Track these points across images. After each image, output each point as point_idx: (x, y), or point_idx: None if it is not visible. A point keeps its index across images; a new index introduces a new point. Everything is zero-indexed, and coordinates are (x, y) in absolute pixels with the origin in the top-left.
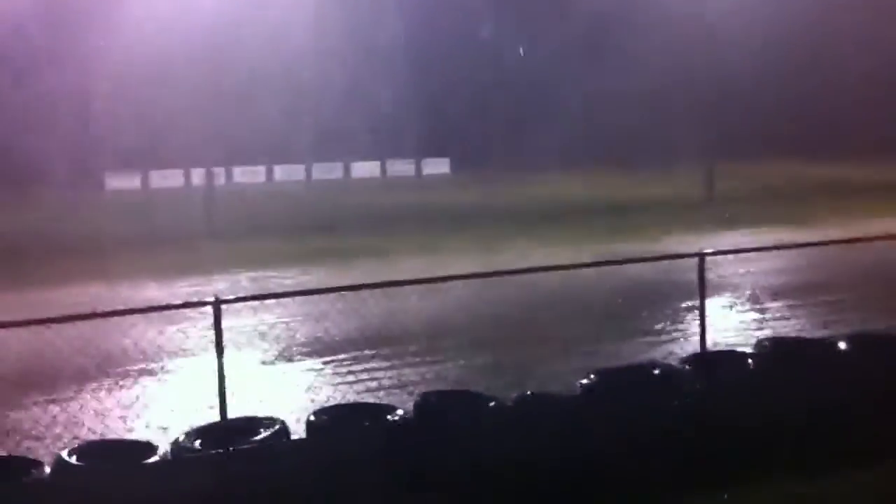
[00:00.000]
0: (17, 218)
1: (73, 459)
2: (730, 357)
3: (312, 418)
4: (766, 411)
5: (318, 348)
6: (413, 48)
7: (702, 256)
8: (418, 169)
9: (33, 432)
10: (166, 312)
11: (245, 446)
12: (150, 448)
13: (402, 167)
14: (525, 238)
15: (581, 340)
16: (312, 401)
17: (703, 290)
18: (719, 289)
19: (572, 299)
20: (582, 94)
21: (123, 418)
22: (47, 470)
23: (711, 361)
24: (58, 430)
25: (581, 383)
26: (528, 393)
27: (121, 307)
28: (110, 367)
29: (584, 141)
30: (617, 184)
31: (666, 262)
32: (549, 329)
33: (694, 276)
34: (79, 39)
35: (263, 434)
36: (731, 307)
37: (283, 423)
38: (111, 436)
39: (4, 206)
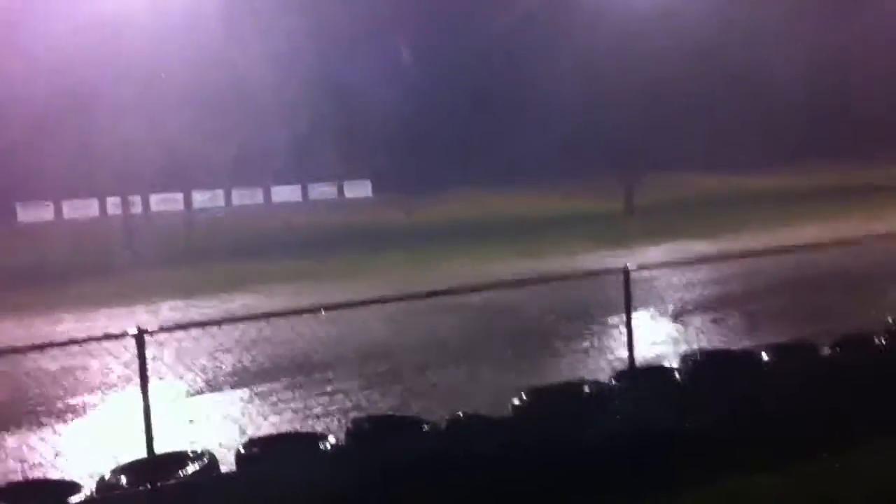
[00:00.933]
0: None
1: None
2: (657, 372)
3: (242, 450)
4: (694, 422)
5: (246, 377)
6: (333, 71)
7: (626, 272)
8: (340, 191)
9: None
10: (87, 346)
11: (173, 481)
12: (74, 487)
13: (323, 190)
14: (449, 257)
15: (512, 359)
16: (241, 432)
17: (629, 305)
18: (645, 302)
19: (501, 318)
20: (499, 110)
21: (46, 457)
22: None
23: (640, 377)
24: None
25: (513, 403)
26: (460, 415)
27: (39, 342)
28: (30, 405)
29: (504, 157)
30: (538, 199)
31: (586, 279)
32: (480, 348)
33: (619, 291)
34: None
35: (192, 468)
36: (655, 320)
37: (212, 455)
38: (34, 475)
39: None
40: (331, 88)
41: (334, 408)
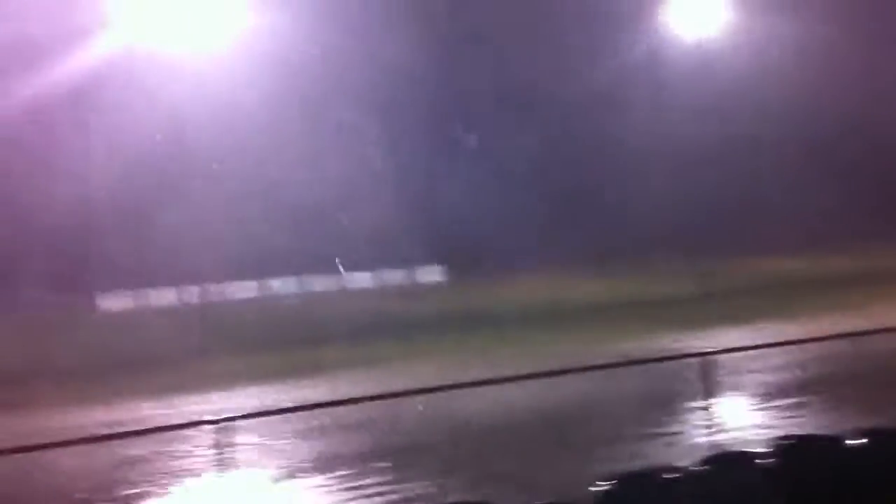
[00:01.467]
0: (7, 340)
1: None
2: (742, 458)
3: None
4: None
5: (325, 463)
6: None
7: (704, 356)
8: (412, 277)
9: None
10: (168, 433)
11: None
12: None
13: (395, 276)
14: (524, 342)
15: (589, 445)
16: None
17: (709, 390)
18: (725, 387)
19: (580, 403)
20: (567, 188)
21: None
22: None
23: (724, 463)
24: None
25: (595, 491)
26: (540, 503)
27: (119, 430)
28: (113, 492)
29: (575, 239)
30: (613, 283)
31: (665, 363)
32: (561, 434)
33: (697, 376)
34: (67, 151)
35: None
36: (737, 405)
37: None
38: None
39: None
40: (400, 174)
41: (409, 495)
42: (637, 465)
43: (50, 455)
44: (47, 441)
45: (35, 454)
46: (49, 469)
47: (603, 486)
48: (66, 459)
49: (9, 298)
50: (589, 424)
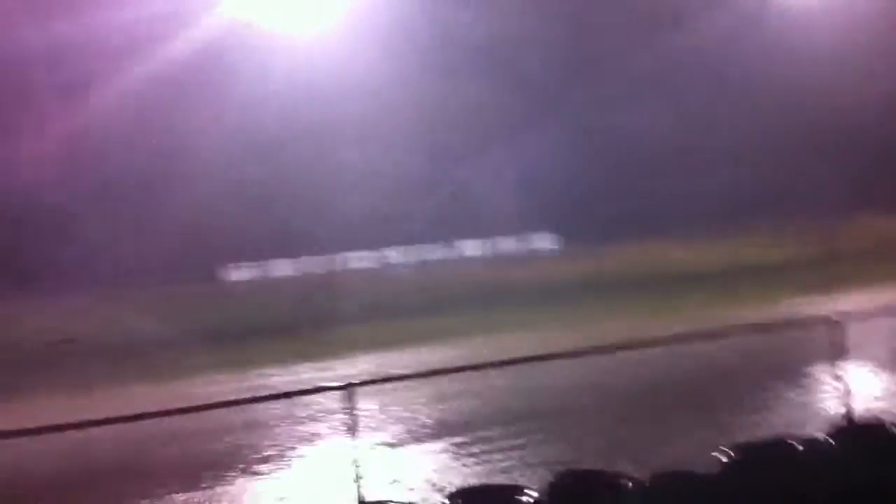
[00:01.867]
0: (142, 311)
1: None
2: (877, 428)
3: (447, 502)
4: None
5: (447, 428)
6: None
7: (831, 320)
8: (526, 245)
9: None
10: (297, 399)
11: None
12: None
13: (509, 244)
14: (645, 309)
15: (716, 413)
16: (444, 483)
17: (842, 355)
18: (857, 352)
19: (701, 370)
20: (690, 154)
21: None
22: None
23: (858, 432)
24: None
25: (719, 459)
26: (666, 471)
27: (249, 395)
28: (244, 456)
29: (695, 204)
30: (734, 247)
31: (792, 328)
32: (685, 401)
33: (828, 341)
34: (189, 128)
35: None
36: (870, 372)
37: None
38: None
39: (130, 301)
40: (510, 144)
41: (533, 461)
42: (762, 432)
43: (179, 420)
44: (177, 407)
45: (164, 420)
46: (178, 434)
47: (727, 453)
48: (195, 425)
49: (144, 272)
50: (712, 391)
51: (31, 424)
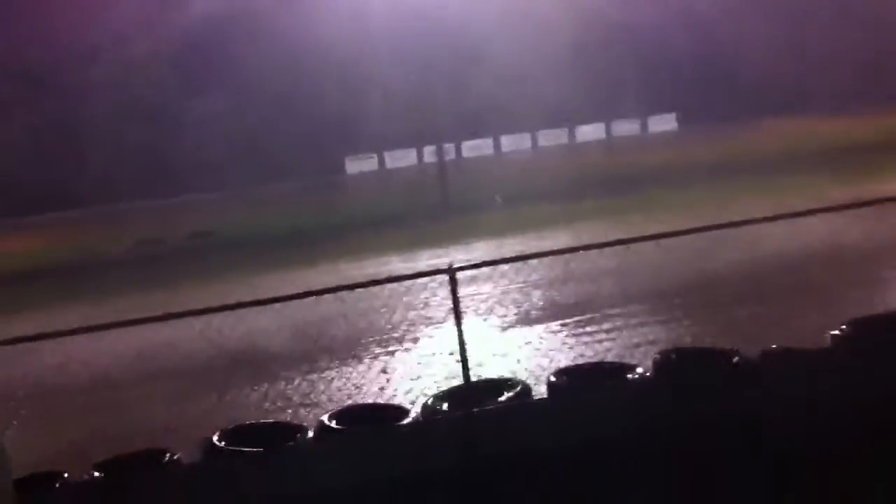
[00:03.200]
0: (270, 207)
1: (334, 424)
2: None
3: (553, 379)
4: None
5: (554, 311)
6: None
7: None
8: (644, 127)
9: (296, 400)
10: (410, 284)
11: (489, 407)
12: (402, 411)
13: (628, 127)
14: (763, 187)
15: (831, 290)
16: (551, 362)
17: None
18: None
19: (822, 247)
20: (804, 31)
21: (377, 384)
22: (310, 434)
23: None
24: (320, 398)
25: (832, 335)
26: (773, 348)
27: (365, 280)
28: (363, 338)
29: (808, 84)
30: (848, 126)
31: None
32: (796, 280)
33: None
34: (307, 31)
35: (506, 395)
36: None
37: (525, 384)
38: (367, 401)
39: (259, 196)
40: (628, 24)
41: (641, 340)
42: (874, 310)
43: (303, 304)
44: (299, 291)
45: (288, 305)
46: (302, 318)
47: (842, 329)
48: (318, 309)
49: (276, 169)
50: (831, 268)
51: (174, 310)
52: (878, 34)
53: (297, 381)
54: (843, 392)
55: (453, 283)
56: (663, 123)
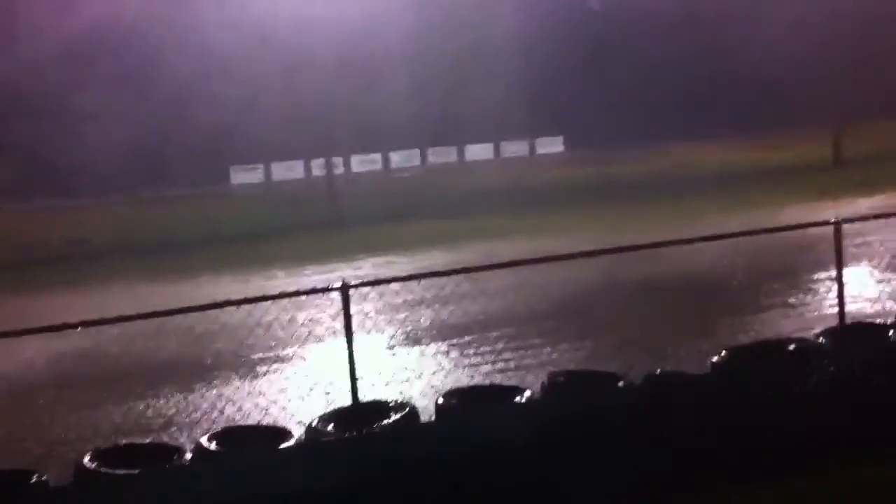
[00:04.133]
0: (148, 214)
1: (213, 445)
2: (868, 329)
3: (441, 401)
4: None
5: (443, 331)
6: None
7: (837, 224)
8: (532, 149)
9: (175, 420)
10: (296, 300)
11: (376, 429)
12: (285, 433)
13: (515, 148)
14: (645, 214)
15: (712, 316)
16: (440, 383)
17: (839, 259)
18: (855, 257)
19: (699, 274)
20: (691, 59)
21: (258, 404)
22: (188, 456)
23: (850, 335)
24: (197, 416)
25: (713, 361)
26: (657, 372)
27: (251, 296)
28: (244, 355)
29: (701, 109)
30: (738, 152)
31: (795, 233)
32: (680, 305)
33: (828, 246)
34: (198, 37)
35: (394, 417)
36: (867, 276)
37: (412, 406)
38: (248, 422)
39: (139, 203)
40: (519, 45)
41: (529, 362)
42: (758, 335)
43: (183, 319)
44: (182, 306)
45: (171, 318)
46: (184, 332)
47: (722, 355)
48: (199, 324)
49: (156, 176)
50: (712, 295)
51: (43, 321)
52: (775, 60)
53: (175, 399)
54: (724, 416)
55: (345, 301)
56: (551, 146)
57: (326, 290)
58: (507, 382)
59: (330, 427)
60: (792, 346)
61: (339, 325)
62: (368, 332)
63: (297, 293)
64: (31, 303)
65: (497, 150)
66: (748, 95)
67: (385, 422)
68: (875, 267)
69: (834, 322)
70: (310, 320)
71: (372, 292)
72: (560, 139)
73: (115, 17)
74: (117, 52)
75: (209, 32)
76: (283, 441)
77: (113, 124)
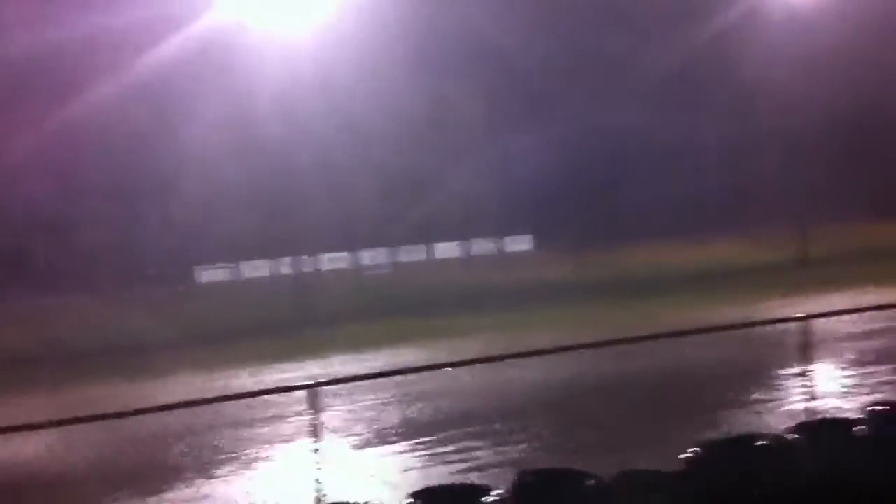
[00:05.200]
0: (113, 313)
1: None
2: (838, 425)
3: (410, 501)
4: (879, 478)
5: (411, 429)
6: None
7: (800, 321)
8: (501, 247)
9: None
10: (262, 399)
11: None
12: None
13: (484, 246)
14: (614, 311)
15: (683, 412)
16: (408, 483)
17: (807, 354)
18: (823, 353)
19: (670, 371)
20: (661, 159)
21: None
22: None
23: (820, 430)
24: None
25: (684, 457)
26: (629, 470)
27: (215, 395)
28: (208, 457)
29: (662, 208)
30: (705, 251)
31: (763, 329)
32: (648, 401)
33: (796, 342)
34: (166, 138)
35: None
36: (835, 372)
37: None
38: None
39: (101, 302)
40: (489, 145)
41: (498, 460)
42: (731, 431)
43: (148, 420)
44: (146, 406)
45: (135, 419)
46: (148, 432)
47: (694, 452)
48: (164, 423)
49: (121, 274)
50: (683, 391)
51: (8, 422)
52: (742, 160)
53: (145, 500)
54: None
55: (314, 400)
56: (519, 244)
57: (292, 388)
58: (477, 481)
59: None
60: (762, 441)
61: (306, 424)
62: (337, 432)
63: (263, 392)
64: None
65: (466, 248)
66: (717, 194)
67: None
68: (844, 362)
69: (805, 417)
70: (277, 419)
71: (342, 390)
72: (528, 238)
73: (85, 118)
74: (83, 150)
75: (177, 133)
76: None
77: (79, 224)
